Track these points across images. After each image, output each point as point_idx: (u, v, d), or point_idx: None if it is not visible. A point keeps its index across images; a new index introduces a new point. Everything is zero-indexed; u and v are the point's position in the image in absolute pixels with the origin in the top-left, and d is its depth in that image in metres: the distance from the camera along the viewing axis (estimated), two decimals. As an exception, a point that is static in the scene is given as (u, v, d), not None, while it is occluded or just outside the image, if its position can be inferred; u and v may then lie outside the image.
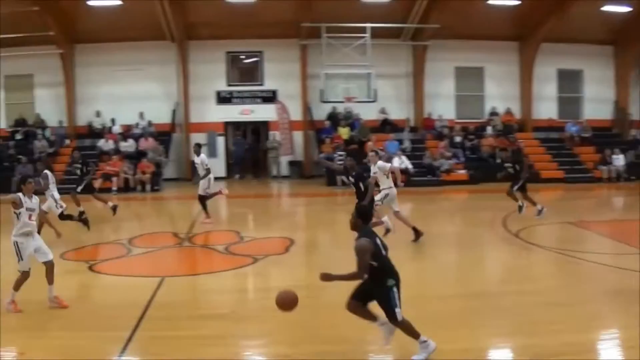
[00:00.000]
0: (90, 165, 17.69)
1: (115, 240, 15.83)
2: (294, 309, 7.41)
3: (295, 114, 29.28)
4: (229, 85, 29.00)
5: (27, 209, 9.72)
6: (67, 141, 27.63)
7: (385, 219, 14.41)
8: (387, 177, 14.27)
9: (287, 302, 7.36)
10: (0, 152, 26.81)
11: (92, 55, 27.73)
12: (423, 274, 11.99)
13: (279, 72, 28.63)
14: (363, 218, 7.40)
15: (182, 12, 25.88)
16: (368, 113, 28.64)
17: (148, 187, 25.04)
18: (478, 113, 30.37)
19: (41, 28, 25.00)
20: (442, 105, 29.99)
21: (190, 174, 27.11)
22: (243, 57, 29.54)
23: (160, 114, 27.86)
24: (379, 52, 27.05)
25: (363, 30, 26.26)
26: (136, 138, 27.20)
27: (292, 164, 28.87)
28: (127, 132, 27.63)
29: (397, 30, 28.55)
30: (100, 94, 28.01)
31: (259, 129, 30.40)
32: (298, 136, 29.51)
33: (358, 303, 7.55)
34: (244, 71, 29.57)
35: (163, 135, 27.64)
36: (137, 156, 25.98)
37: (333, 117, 29.11)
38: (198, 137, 27.25)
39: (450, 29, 27.04)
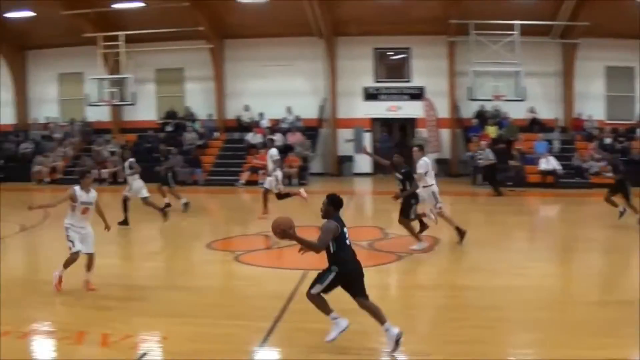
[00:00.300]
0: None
1: (260, 232, 16.65)
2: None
3: (443, 111, 29.61)
4: (376, 81, 29.71)
5: (81, 203, 10.94)
6: (216, 134, 29.42)
7: (427, 211, 14.73)
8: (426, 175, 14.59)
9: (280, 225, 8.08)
10: (151, 143, 28.91)
11: (241, 51, 29.30)
12: (569, 278, 12.09)
13: (427, 68, 29.05)
14: (334, 205, 8.35)
15: (330, 9, 26.73)
16: (516, 112, 28.54)
17: (295, 181, 26.07)
18: (628, 114, 29.49)
19: (192, 23, 26.75)
20: (592, 106, 29.47)
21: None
22: (390, 53, 30.12)
23: (307, 109, 28.96)
24: (528, 49, 26.87)
25: (511, 27, 26.11)
26: (284, 132, 28.42)
27: (438, 162, 28.95)
28: (275, 126, 28.90)
29: (546, 28, 28.26)
30: (249, 88, 29.51)
31: (406, 126, 30.87)
32: (445, 134, 29.90)
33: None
34: (391, 67, 30.17)
35: (310, 130, 28.69)
36: (284, 150, 26.94)
37: (481, 115, 29.29)
38: (345, 133, 28.65)
39: (600, 27, 26.34)
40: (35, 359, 8.38)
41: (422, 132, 28.81)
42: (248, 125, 29.40)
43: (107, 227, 11.62)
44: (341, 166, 28.63)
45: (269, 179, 18.59)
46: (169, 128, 30.09)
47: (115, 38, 27.98)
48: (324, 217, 8.25)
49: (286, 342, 8.65)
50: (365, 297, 8.19)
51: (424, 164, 14.65)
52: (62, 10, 26.91)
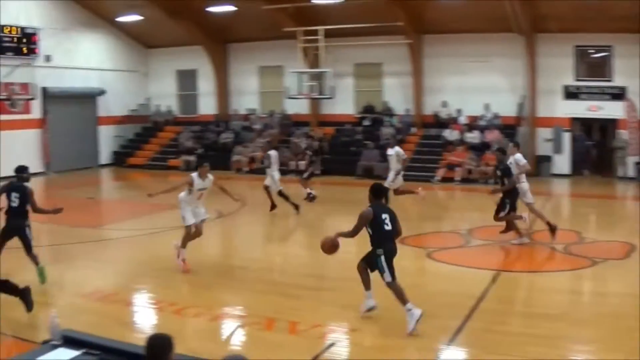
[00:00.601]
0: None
1: (454, 230, 17.61)
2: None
3: (645, 113, 29.04)
4: (577, 80, 29.16)
5: (198, 189, 13.44)
6: (413, 129, 30.18)
7: (525, 215, 15.35)
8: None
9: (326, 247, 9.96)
10: (349, 137, 30.53)
11: (439, 46, 29.74)
12: None
13: (630, 68, 27.86)
14: (374, 194, 9.98)
15: (531, 5, 26.55)
16: None
17: (491, 180, 26.48)
18: None
19: (390, 19, 27.40)
20: None
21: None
22: (592, 51, 29.43)
23: (505, 106, 28.94)
24: None
25: None
26: (481, 129, 28.76)
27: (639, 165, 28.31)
28: (472, 123, 29.28)
29: None
30: (447, 84, 29.95)
31: (607, 126, 30.17)
32: (647, 137, 29.30)
33: (364, 265, 10.26)
34: (592, 66, 29.44)
35: (508, 128, 28.65)
36: (481, 148, 27.59)
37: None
38: (544, 132, 28.53)
39: None
40: (224, 340, 9.50)
41: (623, 134, 28.03)
42: (445, 121, 29.89)
43: (235, 200, 14.86)
44: (539, 166, 28.46)
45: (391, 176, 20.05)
46: (366, 122, 31.29)
47: (314, 32, 29.43)
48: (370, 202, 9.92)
49: (473, 343, 9.08)
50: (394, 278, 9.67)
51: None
52: (263, 5, 28.66)
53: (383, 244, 9.75)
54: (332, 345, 8.83)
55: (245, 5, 29.03)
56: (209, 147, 32.38)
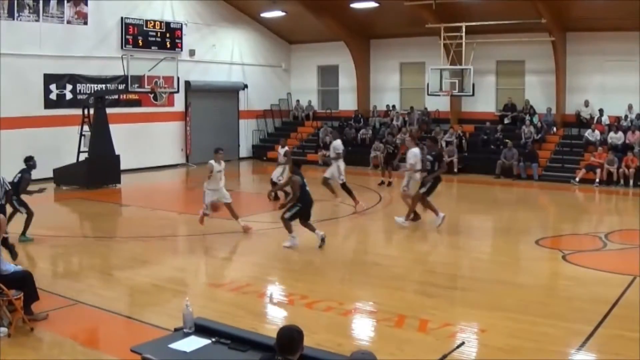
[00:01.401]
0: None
1: (591, 233, 17.04)
2: None
3: None
4: None
5: (217, 172, 16.21)
6: (554, 129, 29.47)
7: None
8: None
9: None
10: (488, 135, 29.96)
11: (583, 44, 28.92)
12: None
13: None
14: (296, 164, 15.40)
15: None
16: None
17: (631, 182, 25.28)
18: None
19: (533, 16, 26.90)
20: None
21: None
22: None
23: None
24: None
25: None
26: (624, 130, 27.66)
27: None
28: (614, 124, 28.29)
29: None
30: (590, 83, 29.12)
31: None
32: None
33: (303, 222, 14.91)
34: None
35: None
36: (622, 149, 26.54)
37: None
38: None
39: None
40: (355, 336, 9.57)
41: None
42: (587, 121, 29.08)
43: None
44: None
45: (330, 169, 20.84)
46: (506, 120, 30.72)
47: (456, 29, 29.25)
48: (290, 172, 15.24)
49: (604, 349, 8.83)
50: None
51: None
52: (406, 1, 28.56)
53: (301, 200, 14.65)
54: (461, 344, 8.74)
55: (388, 1, 29.10)
56: (349, 142, 32.48)
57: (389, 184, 25.04)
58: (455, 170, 27.95)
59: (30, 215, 15.18)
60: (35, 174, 15.72)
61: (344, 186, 20.21)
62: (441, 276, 12.58)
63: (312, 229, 14.98)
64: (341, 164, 20.45)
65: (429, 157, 17.17)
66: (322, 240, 14.71)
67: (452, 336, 9.16)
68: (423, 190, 16.93)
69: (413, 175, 17.61)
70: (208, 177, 16.31)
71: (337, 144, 20.89)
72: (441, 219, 16.88)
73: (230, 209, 16.53)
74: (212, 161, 16.34)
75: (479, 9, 28.16)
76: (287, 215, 14.87)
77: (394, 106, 34.10)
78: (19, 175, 15.44)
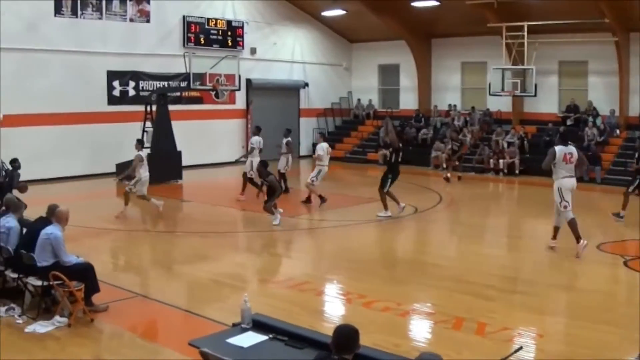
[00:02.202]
0: None
1: None
2: None
3: None
4: None
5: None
6: (617, 131, 28.84)
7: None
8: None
9: None
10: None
11: None
12: None
13: None
14: (264, 166, 16.78)
15: None
16: None
17: None
18: None
19: (596, 15, 26.44)
20: None
21: None
22: None
23: None
24: None
25: None
26: None
27: None
28: None
29: None
30: None
31: None
32: None
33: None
34: None
35: None
36: None
37: None
38: None
39: None
40: (412, 337, 9.52)
41: None
42: None
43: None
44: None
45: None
46: (569, 122, 30.07)
47: (518, 29, 28.86)
48: (259, 176, 16.72)
49: None
50: None
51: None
52: (467, 0, 28.35)
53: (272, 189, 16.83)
54: (519, 349, 8.62)
55: (450, 0, 28.92)
56: (409, 142, 32.43)
57: (459, 178, 25.43)
58: (517, 172, 27.65)
59: None
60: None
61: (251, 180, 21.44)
62: (500, 279, 12.43)
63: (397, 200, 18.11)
64: (255, 159, 20.99)
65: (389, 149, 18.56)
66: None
67: (510, 340, 9.06)
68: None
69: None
70: None
71: (255, 139, 22.10)
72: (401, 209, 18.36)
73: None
74: None
75: (541, 8, 27.80)
76: (385, 188, 17.87)
77: (455, 106, 33.75)
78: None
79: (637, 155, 18.37)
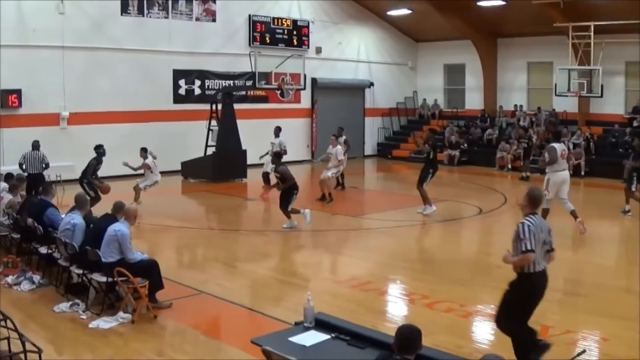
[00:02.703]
0: None
1: None
2: None
3: None
4: None
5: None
6: None
7: None
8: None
9: None
10: (617, 138, 28.93)
11: None
12: None
13: None
14: (278, 157, 16.70)
15: None
16: None
17: None
18: None
19: None
20: None
21: None
22: None
23: None
24: None
25: None
26: None
27: None
28: None
29: None
30: None
31: None
32: None
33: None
34: None
35: None
36: None
37: None
38: None
39: None
40: (474, 339, 9.45)
41: None
42: None
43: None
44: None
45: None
46: (635, 123, 29.52)
47: (585, 28, 28.41)
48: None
49: None
50: None
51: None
52: (534, 0, 28.04)
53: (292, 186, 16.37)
54: (582, 352, 8.43)
55: (516, 0, 28.70)
56: (474, 142, 32.19)
57: (527, 178, 25.36)
58: (582, 173, 27.20)
59: (93, 199, 16.16)
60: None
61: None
62: (564, 281, 12.21)
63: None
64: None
65: (426, 146, 18.55)
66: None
67: (573, 344, 8.96)
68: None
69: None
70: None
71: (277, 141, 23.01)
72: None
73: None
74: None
75: (608, 7, 27.26)
76: (426, 182, 18.05)
77: (521, 106, 33.30)
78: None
79: (632, 154, 19.58)
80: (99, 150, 18.24)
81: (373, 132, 35.80)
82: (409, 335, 5.39)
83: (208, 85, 28.66)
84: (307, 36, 32.10)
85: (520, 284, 7.93)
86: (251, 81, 26.20)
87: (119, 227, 10.04)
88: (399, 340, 5.35)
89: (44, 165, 18.58)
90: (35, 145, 18.67)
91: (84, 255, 10.20)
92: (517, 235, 7.78)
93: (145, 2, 26.29)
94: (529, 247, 7.65)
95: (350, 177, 23.02)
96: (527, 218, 7.98)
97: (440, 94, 37.21)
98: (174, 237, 15.66)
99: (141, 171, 19.39)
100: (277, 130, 23.31)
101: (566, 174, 16.02)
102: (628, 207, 18.56)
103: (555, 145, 16.02)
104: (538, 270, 7.93)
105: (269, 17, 30.53)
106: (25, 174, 17.68)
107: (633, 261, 13.64)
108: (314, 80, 31.93)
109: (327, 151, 21.48)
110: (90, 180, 17.61)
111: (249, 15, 29.80)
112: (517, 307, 7.96)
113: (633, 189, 18.43)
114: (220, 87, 28.66)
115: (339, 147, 21.05)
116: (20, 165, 18.46)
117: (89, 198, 13.91)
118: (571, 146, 28.41)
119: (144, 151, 19.59)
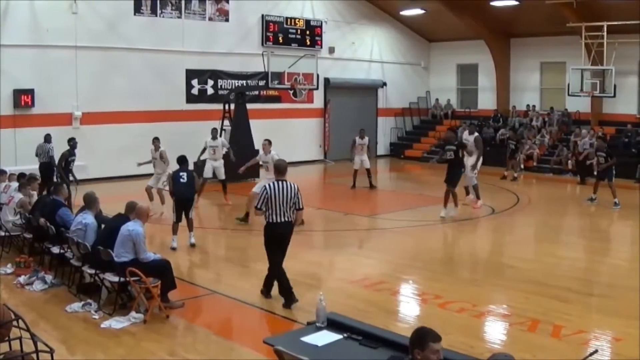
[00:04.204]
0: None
1: None
2: None
3: None
4: None
5: (262, 162, 16.95)
6: None
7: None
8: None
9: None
10: (630, 137, 28.64)
11: None
12: None
13: None
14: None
15: None
16: None
17: None
18: None
19: None
20: None
21: None
22: None
23: None
24: None
25: None
26: None
27: None
28: None
29: None
30: None
31: None
32: None
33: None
34: None
35: None
36: None
37: None
38: None
39: None
40: (487, 339, 9.39)
41: None
42: None
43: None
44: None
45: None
46: (652, 122, 29.63)
47: (598, 29, 28.31)
48: None
49: None
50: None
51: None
52: (547, 0, 27.95)
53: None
54: (594, 352, 8.30)
55: (529, 0, 28.62)
56: (486, 142, 32.00)
57: (514, 178, 25.77)
58: (595, 173, 27.06)
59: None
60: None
61: None
62: (577, 281, 12.19)
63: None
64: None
65: (451, 147, 18.19)
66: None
67: (586, 344, 8.91)
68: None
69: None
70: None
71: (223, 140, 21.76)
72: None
73: None
74: (261, 152, 17.74)
75: (621, 7, 27.12)
76: (458, 183, 17.93)
77: (534, 106, 33.28)
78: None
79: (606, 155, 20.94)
80: (71, 143, 19.40)
81: (386, 132, 35.77)
82: (422, 332, 5.32)
83: (221, 85, 28.71)
84: (320, 36, 32.10)
85: (264, 231, 10.55)
86: (264, 81, 26.21)
87: (132, 226, 10.04)
88: (413, 338, 5.29)
89: (49, 157, 19.86)
90: (47, 139, 20.05)
91: (96, 255, 10.21)
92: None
93: (158, 1, 26.37)
94: (257, 206, 10.36)
95: (362, 177, 22.98)
96: (268, 184, 10.57)
97: (453, 93, 37.19)
98: (186, 236, 15.62)
99: (149, 167, 19.57)
100: (215, 132, 21.58)
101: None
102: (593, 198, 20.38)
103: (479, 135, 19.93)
104: (277, 221, 10.26)
105: (282, 17, 30.57)
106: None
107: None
108: (326, 80, 31.96)
109: (259, 158, 18.14)
110: (60, 171, 18.85)
111: (262, 15, 29.85)
112: (265, 249, 10.61)
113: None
114: (233, 87, 28.69)
115: (273, 153, 17.00)
116: (36, 154, 20.20)
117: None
118: (587, 146, 28.39)
119: (157, 140, 19.74)
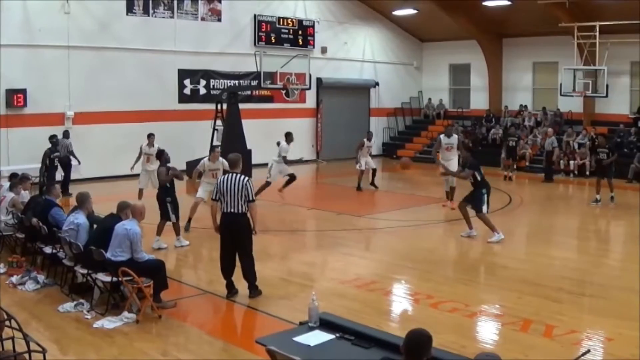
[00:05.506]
0: None
1: None
2: None
3: None
4: None
5: (209, 170, 16.20)
6: None
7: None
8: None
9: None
10: (622, 138, 28.84)
11: None
12: None
13: None
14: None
15: None
16: None
17: None
18: None
19: None
20: None
21: None
22: None
23: None
24: None
25: None
26: None
27: None
28: None
29: None
30: None
31: None
32: None
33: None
34: None
35: None
36: None
37: None
38: None
39: None
40: (479, 339, 9.39)
41: None
42: None
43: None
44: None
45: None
46: (640, 124, 29.88)
47: (590, 29, 28.37)
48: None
49: None
50: None
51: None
52: (539, 0, 28.04)
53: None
54: (587, 352, 8.38)
55: (522, 0, 28.70)
56: (479, 142, 32.09)
57: (510, 178, 25.93)
58: (587, 173, 27.12)
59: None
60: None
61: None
62: (570, 282, 12.18)
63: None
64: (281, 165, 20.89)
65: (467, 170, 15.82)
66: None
67: (578, 343, 8.93)
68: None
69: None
70: (202, 172, 16.55)
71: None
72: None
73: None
74: (205, 158, 16.88)
75: (613, 8, 27.24)
76: (484, 208, 15.38)
77: (526, 106, 33.41)
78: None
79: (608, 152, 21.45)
80: (52, 140, 20.94)
81: (378, 132, 35.44)
82: (418, 340, 5.28)
83: (213, 85, 28.73)
84: (313, 36, 32.15)
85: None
86: (256, 81, 26.13)
87: (130, 225, 10.06)
88: (408, 344, 5.26)
89: (69, 151, 21.91)
90: (65, 134, 22.19)
91: (89, 255, 10.20)
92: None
93: (150, 1, 26.37)
94: (212, 197, 11.20)
95: (354, 177, 23.00)
96: (221, 177, 11.75)
97: (446, 93, 37.28)
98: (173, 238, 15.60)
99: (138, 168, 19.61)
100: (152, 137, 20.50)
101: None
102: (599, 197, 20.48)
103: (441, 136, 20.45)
104: (227, 211, 10.82)
105: (275, 16, 30.59)
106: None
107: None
108: (319, 80, 32.00)
109: (207, 166, 16.68)
110: (45, 170, 20.52)
111: (255, 15, 29.88)
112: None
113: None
114: (226, 86, 28.69)
115: (222, 160, 16.02)
116: (56, 151, 21.40)
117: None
118: (576, 146, 28.47)
119: (152, 136, 19.88)
